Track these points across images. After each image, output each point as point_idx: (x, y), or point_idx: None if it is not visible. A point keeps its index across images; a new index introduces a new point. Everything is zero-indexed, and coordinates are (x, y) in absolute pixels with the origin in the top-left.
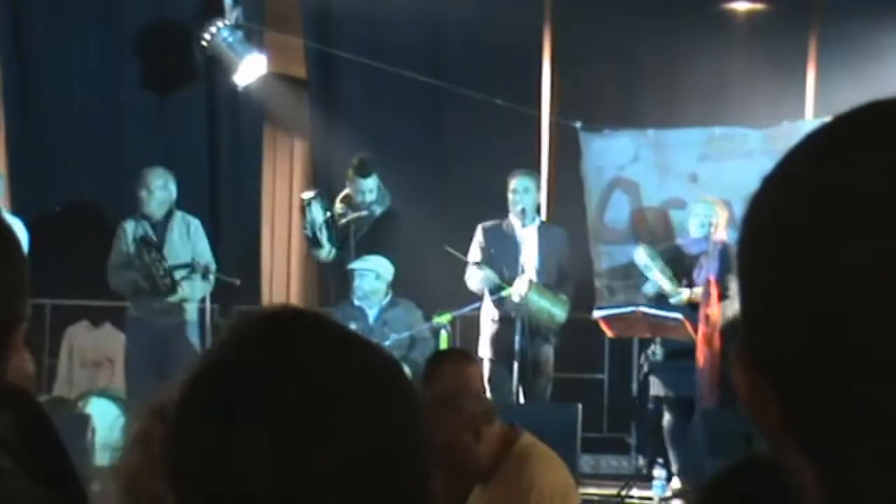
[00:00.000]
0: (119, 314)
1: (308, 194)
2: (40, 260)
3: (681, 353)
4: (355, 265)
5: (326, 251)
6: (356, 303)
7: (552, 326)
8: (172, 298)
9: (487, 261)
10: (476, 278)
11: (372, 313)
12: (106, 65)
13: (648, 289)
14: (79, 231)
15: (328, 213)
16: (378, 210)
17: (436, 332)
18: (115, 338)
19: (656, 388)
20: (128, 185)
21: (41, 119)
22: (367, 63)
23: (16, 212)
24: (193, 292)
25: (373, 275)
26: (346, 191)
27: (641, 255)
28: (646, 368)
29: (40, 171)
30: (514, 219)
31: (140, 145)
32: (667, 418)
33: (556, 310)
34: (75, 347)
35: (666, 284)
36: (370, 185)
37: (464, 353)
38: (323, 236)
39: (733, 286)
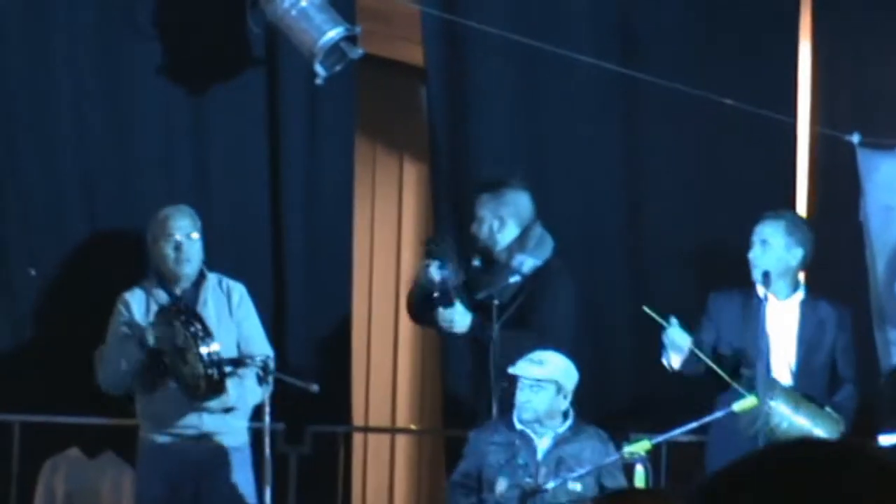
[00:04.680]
0: (126, 437)
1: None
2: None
3: None
4: (522, 370)
5: (459, 314)
6: (518, 426)
7: None
8: (213, 403)
9: (717, 352)
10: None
11: (542, 445)
12: (105, 47)
13: None
14: (65, 308)
15: (457, 272)
16: (527, 265)
17: (629, 468)
18: (118, 474)
19: None
20: (141, 234)
21: (8, 132)
22: (519, 41)
23: None
24: (242, 399)
25: (553, 387)
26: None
27: None
28: None
29: (7, 217)
30: (761, 288)
31: (160, 169)
32: None
33: (821, 429)
34: (59, 489)
35: None
36: (488, 211)
37: (670, 500)
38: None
39: None
